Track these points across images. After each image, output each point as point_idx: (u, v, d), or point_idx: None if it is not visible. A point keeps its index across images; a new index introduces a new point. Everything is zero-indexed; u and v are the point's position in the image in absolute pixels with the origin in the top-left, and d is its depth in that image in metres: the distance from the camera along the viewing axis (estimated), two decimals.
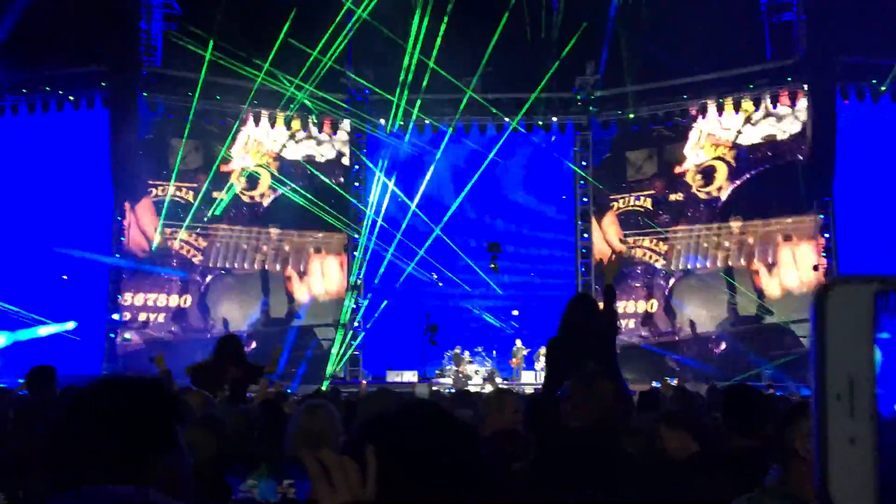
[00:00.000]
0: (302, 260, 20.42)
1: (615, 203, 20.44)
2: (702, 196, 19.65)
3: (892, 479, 0.62)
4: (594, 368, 3.50)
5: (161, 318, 19.47)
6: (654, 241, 19.97)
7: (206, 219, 19.82)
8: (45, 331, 18.34)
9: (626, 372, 6.15)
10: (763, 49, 19.65)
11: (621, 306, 19.36)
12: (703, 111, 19.85)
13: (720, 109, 19.64)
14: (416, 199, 20.53)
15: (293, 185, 20.23)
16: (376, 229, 20.51)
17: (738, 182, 19.21)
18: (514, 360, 18.20)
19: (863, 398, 0.64)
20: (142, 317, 19.38)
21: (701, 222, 19.52)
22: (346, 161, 21.07)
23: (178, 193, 19.68)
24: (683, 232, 19.64)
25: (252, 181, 20.32)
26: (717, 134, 19.53)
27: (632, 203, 20.35)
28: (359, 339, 20.16)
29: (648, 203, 20.19)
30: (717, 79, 19.43)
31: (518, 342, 18.40)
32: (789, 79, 18.96)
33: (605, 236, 20.26)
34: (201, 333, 19.05)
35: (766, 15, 19.80)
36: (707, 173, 19.59)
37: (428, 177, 20.72)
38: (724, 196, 19.39)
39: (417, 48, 19.10)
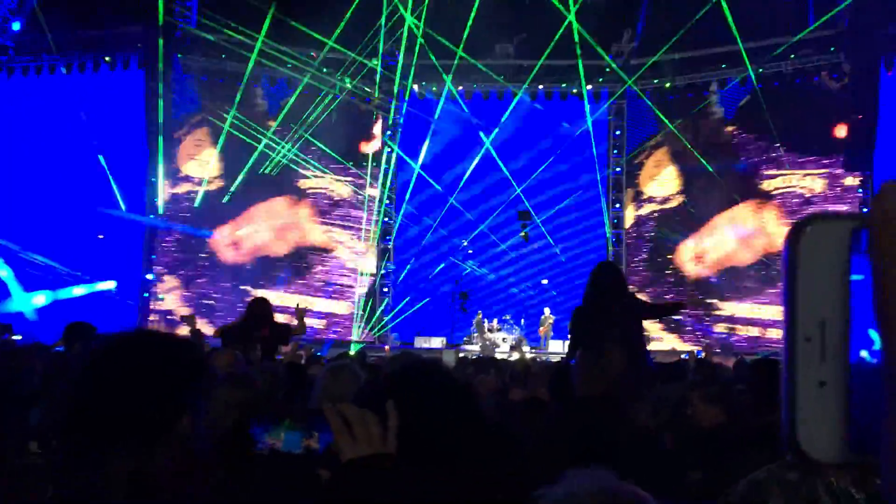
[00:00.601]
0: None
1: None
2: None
3: (861, 423, 0.60)
4: (609, 337, 3.49)
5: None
6: None
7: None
8: (83, 290, 18.73)
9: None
10: (806, 19, 19.15)
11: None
12: (742, 82, 19.40)
13: (759, 79, 19.20)
14: (440, 167, 20.50)
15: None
16: (407, 194, 20.54)
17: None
18: (541, 328, 18.23)
19: (834, 341, 0.62)
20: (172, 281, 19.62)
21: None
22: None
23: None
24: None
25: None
26: None
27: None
28: (383, 304, 20.27)
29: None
30: (758, 48, 18.96)
31: (546, 310, 18.40)
32: (832, 49, 18.48)
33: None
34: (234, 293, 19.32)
35: None
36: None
37: (455, 144, 20.66)
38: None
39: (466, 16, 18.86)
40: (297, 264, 20.14)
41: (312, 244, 20.24)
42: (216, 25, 19.42)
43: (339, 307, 19.90)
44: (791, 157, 18.43)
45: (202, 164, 19.80)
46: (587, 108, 20.56)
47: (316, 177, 20.25)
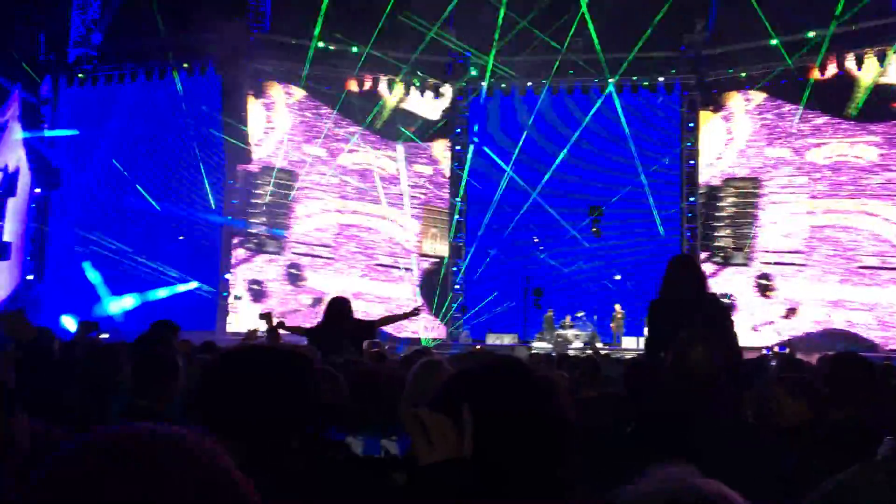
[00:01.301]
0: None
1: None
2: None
3: None
4: (697, 332, 3.41)
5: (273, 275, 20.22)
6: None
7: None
8: (166, 292, 19.35)
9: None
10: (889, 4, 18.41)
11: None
12: (822, 68, 18.74)
13: (840, 66, 18.54)
14: (512, 162, 20.41)
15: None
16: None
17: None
18: (613, 324, 18.01)
19: None
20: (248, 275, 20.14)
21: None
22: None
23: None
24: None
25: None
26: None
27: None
28: (458, 300, 20.34)
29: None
30: (840, 34, 18.26)
31: (617, 307, 18.17)
32: None
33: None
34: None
35: None
36: None
37: (527, 139, 20.54)
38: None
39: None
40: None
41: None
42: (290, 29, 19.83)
43: (402, 291, 20.15)
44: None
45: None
46: (659, 100, 20.16)
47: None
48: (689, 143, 20.16)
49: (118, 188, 20.06)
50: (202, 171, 19.53)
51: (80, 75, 21.23)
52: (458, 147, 21.08)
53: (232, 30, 19.53)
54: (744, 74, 19.63)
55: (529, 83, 20.54)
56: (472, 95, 21.07)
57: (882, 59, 17.98)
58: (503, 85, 20.68)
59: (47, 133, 20.95)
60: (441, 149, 21.06)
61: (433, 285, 20.47)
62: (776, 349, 14.55)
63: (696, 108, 20.16)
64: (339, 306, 7.03)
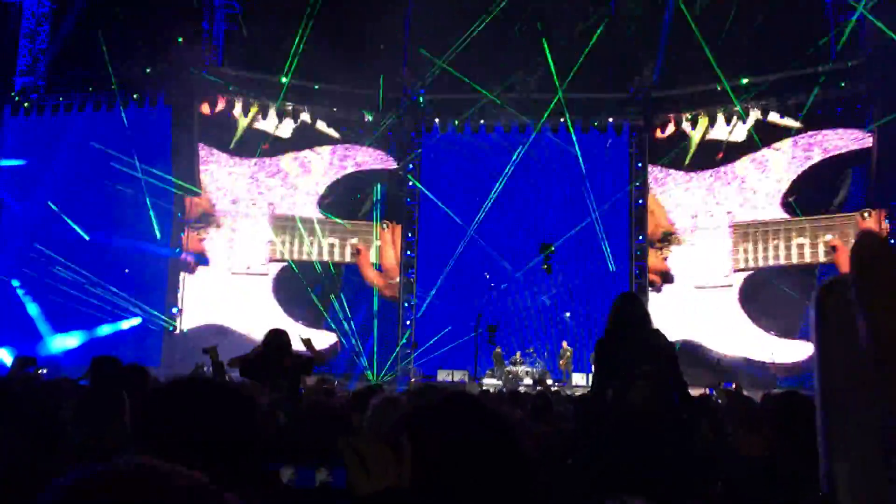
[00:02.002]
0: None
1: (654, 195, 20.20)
2: (758, 189, 19.24)
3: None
4: (639, 369, 3.45)
5: (221, 307, 19.88)
6: (716, 235, 19.60)
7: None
8: (109, 329, 18.88)
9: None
10: (828, 48, 19.17)
11: (684, 301, 19.37)
12: (765, 112, 19.40)
13: (782, 111, 19.23)
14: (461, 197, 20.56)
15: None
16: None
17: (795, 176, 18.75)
18: (561, 361, 18.08)
19: (861, 395, 0.65)
20: (201, 309, 19.79)
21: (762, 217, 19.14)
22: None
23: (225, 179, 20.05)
24: (749, 227, 19.20)
25: (305, 165, 20.51)
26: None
27: (680, 197, 20.18)
28: (405, 335, 20.24)
29: (700, 195, 19.89)
30: (780, 80, 18.96)
31: (564, 343, 18.26)
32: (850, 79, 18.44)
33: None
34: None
35: (832, 13, 19.31)
36: (760, 163, 19.20)
37: (477, 176, 20.75)
38: (784, 188, 18.87)
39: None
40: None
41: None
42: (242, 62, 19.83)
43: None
44: None
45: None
46: (608, 142, 20.57)
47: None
48: (637, 183, 20.56)
49: (62, 219, 19.60)
50: (148, 203, 19.21)
51: (25, 105, 20.83)
52: (410, 183, 21.16)
53: (183, 63, 19.45)
54: (688, 117, 20.18)
55: (481, 121, 20.80)
56: (424, 132, 21.21)
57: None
58: (456, 122, 20.89)
59: (7, 163, 20.45)
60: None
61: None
62: (721, 386, 14.76)
63: (645, 148, 20.62)
64: (279, 339, 6.90)
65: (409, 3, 20.14)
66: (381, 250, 20.61)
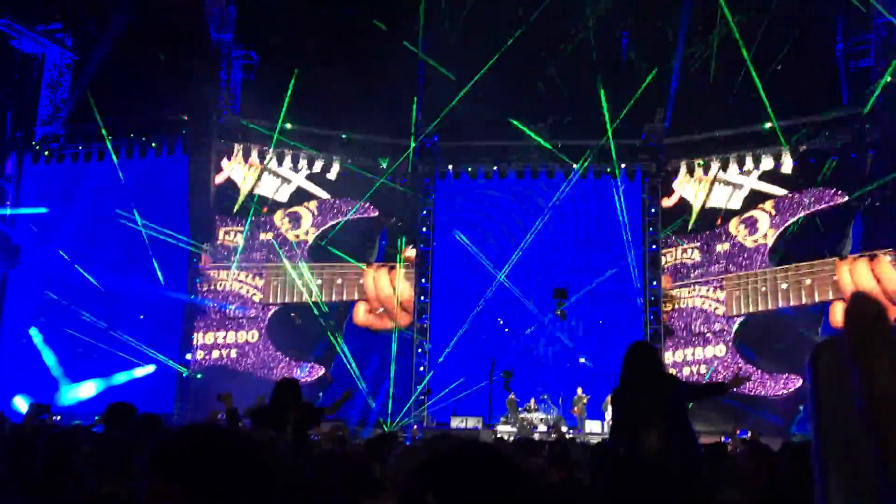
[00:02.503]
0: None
1: (665, 255, 20.39)
2: (748, 245, 19.50)
3: None
4: (648, 419, 3.44)
5: (233, 353, 19.90)
6: (711, 288, 19.78)
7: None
8: (124, 377, 18.93)
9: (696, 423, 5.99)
10: (839, 95, 19.31)
11: (685, 353, 19.56)
12: (776, 158, 19.55)
13: (794, 155, 19.33)
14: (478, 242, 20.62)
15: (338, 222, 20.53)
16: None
17: (781, 229, 19.15)
18: (574, 408, 17.91)
19: (858, 453, 0.67)
20: (214, 354, 19.82)
21: (752, 269, 19.36)
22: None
23: (226, 237, 20.19)
24: (740, 278, 19.40)
25: (294, 220, 20.65)
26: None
27: (679, 255, 20.30)
28: (423, 381, 20.14)
29: (697, 254, 20.11)
30: (792, 126, 19.08)
31: (579, 390, 18.10)
32: (867, 125, 18.53)
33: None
34: (269, 368, 19.49)
35: (843, 61, 19.48)
36: (750, 223, 19.55)
37: (491, 221, 20.85)
38: (770, 242, 19.26)
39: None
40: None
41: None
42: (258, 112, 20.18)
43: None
44: None
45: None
46: (621, 187, 20.65)
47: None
48: (650, 229, 20.57)
49: (80, 266, 19.79)
50: (150, 252, 19.38)
51: (45, 153, 21.21)
52: (424, 229, 21.26)
53: (201, 111, 19.81)
54: (701, 163, 20.27)
55: (494, 167, 20.95)
56: (438, 178, 21.38)
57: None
58: (469, 168, 21.06)
59: (14, 211, 20.74)
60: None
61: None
62: (736, 434, 14.60)
63: (657, 194, 20.67)
64: (289, 389, 6.91)
65: (421, 63, 20.54)
66: (375, 282, 20.49)
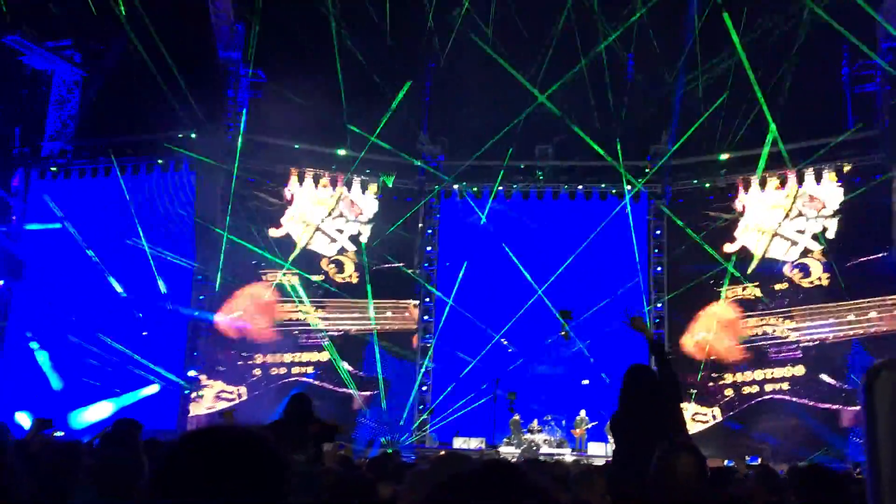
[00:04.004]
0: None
1: (723, 291, 20.21)
2: (805, 285, 19.52)
3: None
4: (676, 441, 3.40)
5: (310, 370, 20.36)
6: (780, 318, 19.73)
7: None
8: (132, 398, 18.89)
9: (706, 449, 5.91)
10: (845, 120, 19.32)
11: (768, 373, 19.52)
12: (782, 182, 19.58)
13: (800, 180, 19.36)
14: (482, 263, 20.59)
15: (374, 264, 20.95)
16: (448, 295, 20.59)
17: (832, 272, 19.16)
18: (576, 430, 17.79)
19: None
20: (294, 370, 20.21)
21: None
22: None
23: (283, 279, 20.60)
24: (808, 310, 19.46)
25: (339, 266, 20.97)
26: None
27: (740, 292, 20.16)
28: (430, 410, 20.07)
29: (758, 291, 19.97)
30: (798, 149, 19.09)
31: (582, 412, 18.00)
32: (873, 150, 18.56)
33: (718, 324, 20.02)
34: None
35: (849, 85, 19.51)
36: (802, 268, 19.59)
37: (494, 242, 20.82)
38: (825, 284, 19.29)
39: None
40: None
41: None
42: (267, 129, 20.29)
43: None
44: None
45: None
46: (627, 208, 20.64)
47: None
48: (656, 250, 20.54)
49: (83, 283, 19.79)
50: (155, 271, 19.44)
51: (52, 169, 21.28)
52: (428, 248, 21.25)
53: (209, 129, 19.89)
54: (707, 185, 20.26)
55: (500, 187, 20.96)
56: (443, 198, 21.39)
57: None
58: (474, 189, 21.07)
59: (30, 226, 20.77)
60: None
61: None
62: (746, 460, 14.48)
63: (663, 215, 20.65)
64: (302, 405, 6.85)
65: (427, 81, 20.65)
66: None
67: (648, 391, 5.13)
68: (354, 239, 21.21)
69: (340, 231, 21.24)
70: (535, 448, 16.53)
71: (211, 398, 19.49)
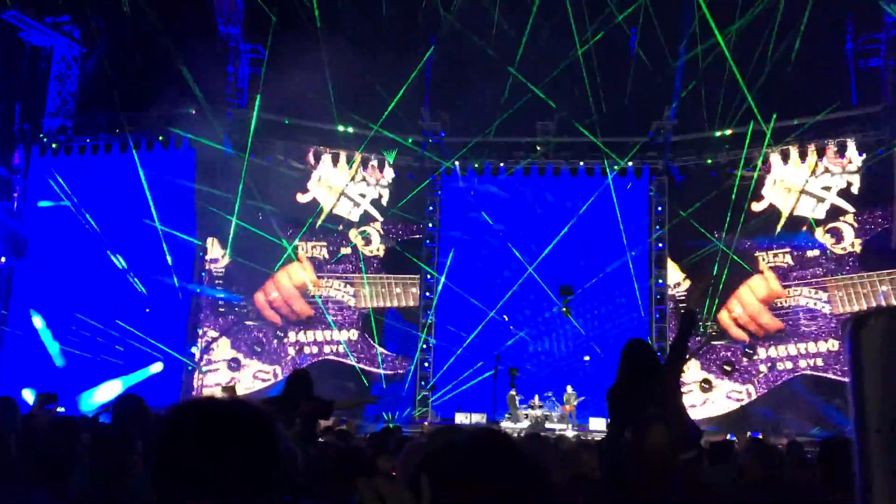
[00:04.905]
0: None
1: (760, 258, 20.06)
2: (838, 252, 19.45)
3: None
4: (651, 413, 3.42)
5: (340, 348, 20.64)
6: (814, 289, 19.64)
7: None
8: (139, 377, 19.00)
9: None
10: (848, 96, 19.21)
11: (802, 347, 19.51)
12: (785, 157, 19.50)
13: (802, 157, 19.29)
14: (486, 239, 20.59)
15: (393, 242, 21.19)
16: (444, 269, 20.62)
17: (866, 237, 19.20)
18: (566, 406, 17.86)
19: None
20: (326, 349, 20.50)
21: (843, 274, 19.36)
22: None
23: (313, 251, 20.85)
24: (839, 280, 19.35)
25: (366, 239, 21.11)
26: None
27: (772, 259, 20.05)
28: (430, 383, 20.16)
29: (789, 258, 19.90)
30: (800, 125, 18.99)
31: (568, 388, 18.06)
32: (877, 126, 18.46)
33: (755, 294, 19.88)
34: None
35: (852, 60, 19.37)
36: (835, 233, 19.52)
37: (497, 218, 20.81)
38: (857, 251, 19.29)
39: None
40: None
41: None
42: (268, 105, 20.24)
43: None
44: None
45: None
46: (629, 185, 20.59)
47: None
48: (657, 227, 20.52)
49: (85, 260, 19.81)
50: (165, 249, 19.46)
51: (53, 146, 21.22)
52: (430, 224, 21.23)
53: (208, 105, 19.78)
54: (709, 161, 20.17)
55: (501, 163, 20.90)
56: (444, 175, 21.34)
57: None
58: (476, 165, 21.00)
59: (43, 204, 20.76)
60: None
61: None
62: (748, 435, 14.53)
63: (664, 192, 20.60)
64: (301, 381, 6.92)
65: (430, 55, 20.51)
66: None
67: (643, 367, 5.14)
68: (377, 203, 21.29)
69: (363, 196, 21.29)
70: (540, 423, 16.66)
71: (249, 378, 19.78)
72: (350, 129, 20.52)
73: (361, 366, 20.29)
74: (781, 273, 19.87)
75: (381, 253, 21.22)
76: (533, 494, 1.35)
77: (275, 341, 20.36)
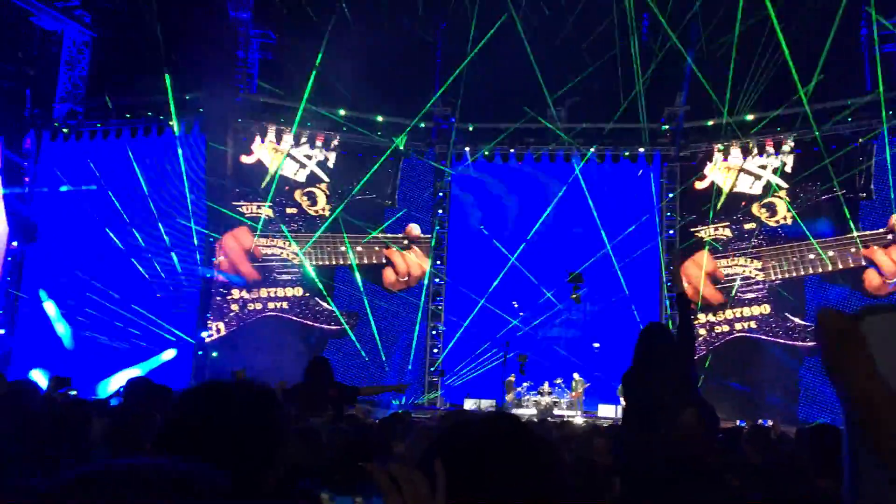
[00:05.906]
0: None
1: (700, 234, 20.13)
2: (771, 224, 19.84)
3: None
4: (677, 399, 3.41)
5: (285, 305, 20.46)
6: (749, 259, 19.91)
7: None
8: (153, 363, 19.11)
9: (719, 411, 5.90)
10: (863, 81, 19.01)
11: (734, 313, 19.92)
12: (798, 144, 19.40)
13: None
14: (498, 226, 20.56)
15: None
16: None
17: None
18: (573, 393, 17.90)
19: None
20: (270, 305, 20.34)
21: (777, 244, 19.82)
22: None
23: (258, 212, 20.44)
24: (775, 250, 19.79)
25: (312, 198, 20.85)
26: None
27: (711, 233, 20.20)
28: (442, 372, 20.21)
29: (728, 232, 20.09)
30: (821, 110, 18.81)
31: (576, 375, 18.09)
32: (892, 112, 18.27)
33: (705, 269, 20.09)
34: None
35: (867, 46, 19.17)
36: (769, 207, 19.82)
37: (506, 205, 20.79)
38: (789, 223, 19.65)
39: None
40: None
41: None
42: (275, 90, 20.21)
43: None
44: None
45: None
46: (640, 172, 20.50)
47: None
48: (668, 214, 20.45)
49: (95, 245, 19.90)
50: (167, 241, 19.49)
51: (64, 130, 21.27)
52: (440, 211, 21.22)
53: (218, 90, 19.77)
54: (721, 147, 20.07)
55: (511, 149, 20.85)
56: (455, 161, 21.30)
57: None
58: (486, 150, 20.96)
59: (65, 188, 20.81)
60: None
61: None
62: (759, 422, 14.53)
63: (676, 179, 20.52)
64: (321, 367, 6.93)
65: (439, 40, 20.42)
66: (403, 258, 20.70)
67: (661, 350, 5.11)
68: (322, 165, 21.09)
69: (309, 157, 21.09)
70: (548, 409, 16.71)
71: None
72: (348, 113, 20.47)
73: (306, 321, 20.25)
74: (720, 246, 20.30)
75: (328, 213, 20.93)
76: (545, 476, 1.35)
77: (217, 297, 20.15)
